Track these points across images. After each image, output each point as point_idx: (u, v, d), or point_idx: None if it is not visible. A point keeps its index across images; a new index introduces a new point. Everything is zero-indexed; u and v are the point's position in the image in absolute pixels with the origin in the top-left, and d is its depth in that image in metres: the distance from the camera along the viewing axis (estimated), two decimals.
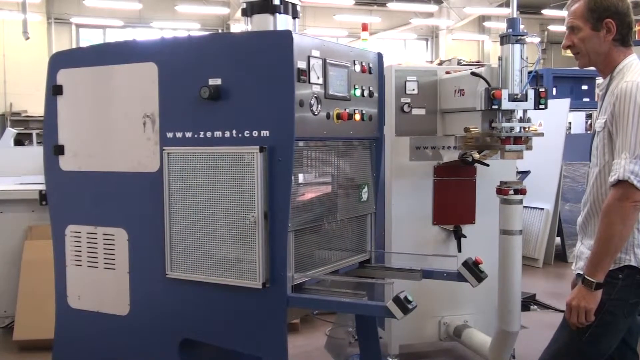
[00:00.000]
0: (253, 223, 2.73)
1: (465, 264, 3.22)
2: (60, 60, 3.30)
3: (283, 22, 2.97)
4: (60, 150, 3.25)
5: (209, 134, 2.85)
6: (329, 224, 3.13)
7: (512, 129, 3.56)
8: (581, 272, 2.61)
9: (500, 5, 20.05)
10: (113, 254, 3.15)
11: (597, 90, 2.57)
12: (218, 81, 2.80)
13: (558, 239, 8.13)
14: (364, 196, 3.35)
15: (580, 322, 2.56)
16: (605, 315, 2.57)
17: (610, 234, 2.48)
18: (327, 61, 2.92)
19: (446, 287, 4.00)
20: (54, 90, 3.25)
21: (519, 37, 3.58)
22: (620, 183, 2.45)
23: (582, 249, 2.73)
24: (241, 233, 2.77)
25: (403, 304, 2.59)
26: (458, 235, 4.40)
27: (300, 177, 2.92)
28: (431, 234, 4.43)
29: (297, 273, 2.86)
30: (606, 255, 2.51)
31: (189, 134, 2.90)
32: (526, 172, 7.22)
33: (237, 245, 2.79)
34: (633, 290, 2.60)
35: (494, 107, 3.51)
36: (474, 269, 3.20)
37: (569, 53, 2.80)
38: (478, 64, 4.95)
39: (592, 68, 2.80)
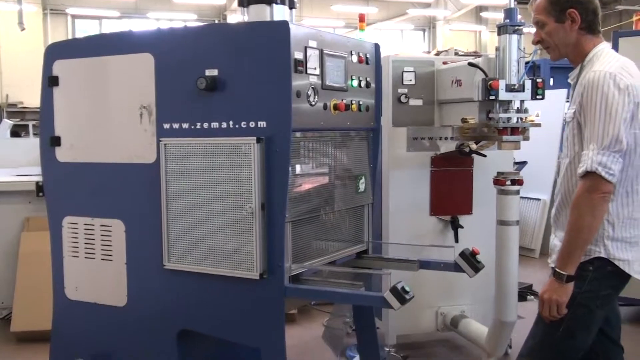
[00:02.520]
0: (250, 214, 2.73)
1: (462, 254, 3.22)
2: (56, 51, 3.29)
3: (280, 12, 2.95)
4: (56, 141, 3.24)
5: (205, 125, 2.84)
6: (327, 215, 3.13)
7: (509, 119, 3.56)
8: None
9: None
10: (110, 246, 3.14)
11: (569, 80, 2.58)
12: (215, 72, 2.79)
13: None
14: (361, 187, 3.35)
15: (552, 315, 2.54)
16: (578, 308, 2.54)
17: (579, 226, 2.45)
18: (324, 52, 2.91)
19: (443, 277, 4.01)
20: (50, 82, 3.24)
21: (516, 28, 3.57)
22: (589, 174, 2.42)
23: (556, 242, 2.69)
24: (238, 224, 2.77)
25: (400, 295, 2.59)
26: (455, 226, 4.41)
27: (298, 167, 2.92)
28: (428, 225, 4.43)
29: (294, 264, 2.86)
30: (576, 247, 2.48)
31: (185, 125, 2.89)
32: (523, 163, 7.22)
33: (235, 236, 2.79)
34: (604, 282, 2.57)
35: (491, 97, 3.50)
36: (471, 260, 3.20)
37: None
38: (475, 54, 4.94)
39: None
